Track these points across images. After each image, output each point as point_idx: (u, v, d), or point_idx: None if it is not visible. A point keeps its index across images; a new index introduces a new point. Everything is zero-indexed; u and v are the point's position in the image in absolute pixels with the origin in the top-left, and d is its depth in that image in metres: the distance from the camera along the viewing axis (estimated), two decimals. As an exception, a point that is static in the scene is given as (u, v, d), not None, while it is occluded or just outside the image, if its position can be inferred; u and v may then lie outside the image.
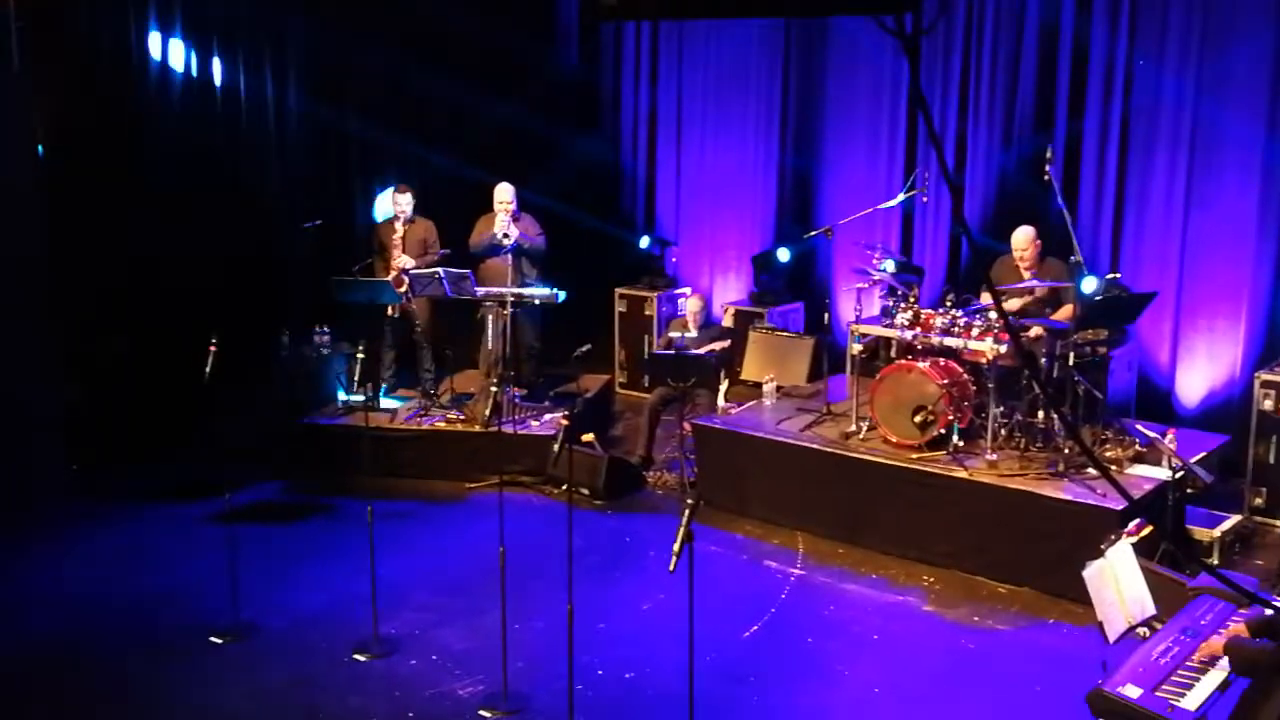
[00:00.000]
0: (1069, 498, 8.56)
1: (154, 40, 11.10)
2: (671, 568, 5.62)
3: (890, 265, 10.27)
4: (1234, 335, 10.47)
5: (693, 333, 11.02)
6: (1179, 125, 10.55)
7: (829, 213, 12.42)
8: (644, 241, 13.66)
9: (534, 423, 10.96)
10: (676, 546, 5.68)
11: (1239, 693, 5.57)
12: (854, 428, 9.85)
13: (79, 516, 9.93)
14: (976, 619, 8.28)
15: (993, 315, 9.31)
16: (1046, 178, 9.56)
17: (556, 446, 10.43)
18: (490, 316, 11.03)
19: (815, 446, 9.77)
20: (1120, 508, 8.17)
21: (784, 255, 12.84)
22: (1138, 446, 9.13)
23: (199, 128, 11.35)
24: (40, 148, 9.94)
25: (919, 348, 9.68)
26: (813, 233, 11.35)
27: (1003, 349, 9.15)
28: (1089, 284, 9.56)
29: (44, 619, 8.37)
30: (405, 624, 8.16)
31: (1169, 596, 6.49)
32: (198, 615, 8.31)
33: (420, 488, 10.49)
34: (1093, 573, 6.10)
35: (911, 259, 11.89)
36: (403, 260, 10.99)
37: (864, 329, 10.32)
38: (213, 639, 7.98)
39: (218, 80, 11.57)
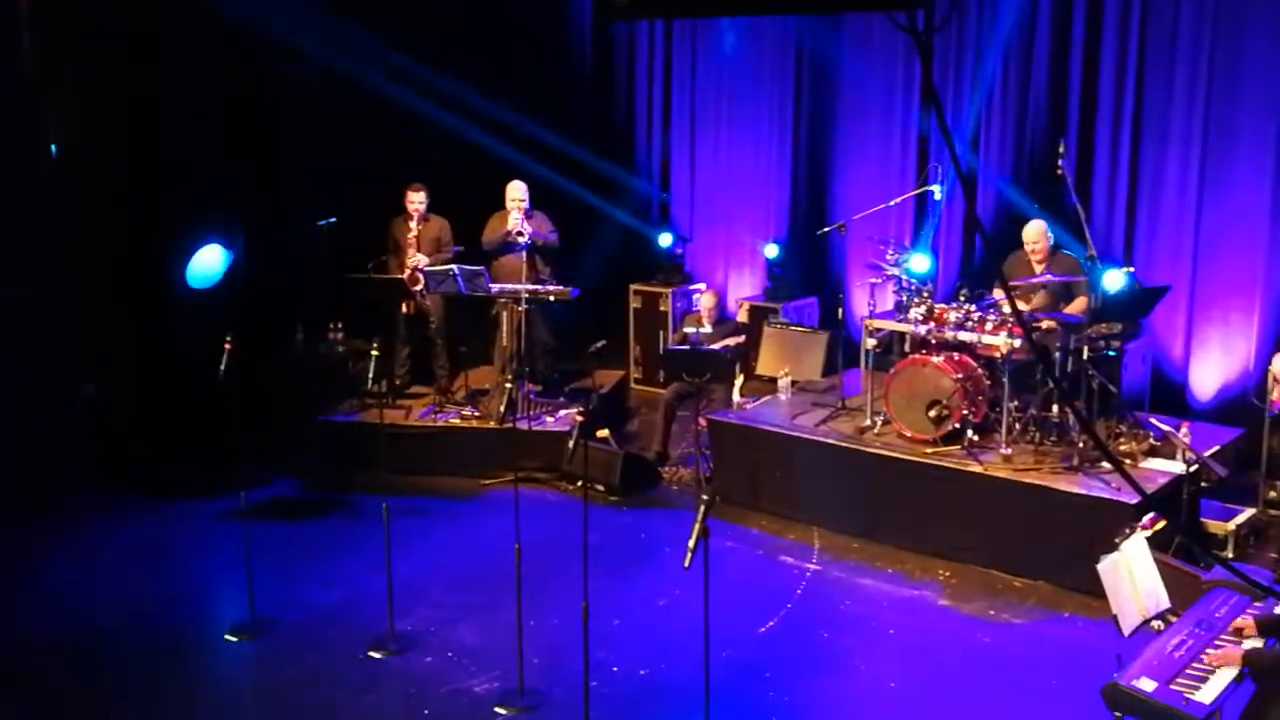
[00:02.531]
0: (1083, 492, 8.55)
1: (168, 34, 11.08)
2: (687, 563, 5.64)
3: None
4: (1248, 329, 10.44)
5: (707, 328, 11.03)
6: (1191, 119, 10.53)
7: (843, 208, 12.40)
8: (665, 239, 13.61)
9: (549, 419, 10.98)
10: (692, 542, 5.69)
11: (1253, 687, 5.58)
12: (869, 422, 9.85)
13: (96, 514, 9.97)
14: (992, 613, 8.28)
15: (1006, 310, 9.31)
16: (1059, 172, 9.57)
17: (571, 443, 10.44)
18: (505, 313, 11.03)
19: (830, 441, 9.79)
20: (1134, 501, 8.14)
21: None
22: (1152, 440, 9.13)
23: (215, 125, 11.34)
24: (54, 147, 9.96)
25: (933, 342, 9.68)
26: (826, 229, 11.35)
27: (1017, 343, 9.14)
28: (1104, 278, 9.56)
29: (61, 616, 8.41)
30: (420, 620, 8.19)
31: (1184, 589, 6.51)
32: (213, 612, 8.37)
33: (435, 484, 10.50)
34: (1107, 566, 6.09)
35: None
36: (417, 258, 11.01)
37: (878, 324, 10.32)
38: (228, 636, 8.03)
39: (235, 77, 11.58)
